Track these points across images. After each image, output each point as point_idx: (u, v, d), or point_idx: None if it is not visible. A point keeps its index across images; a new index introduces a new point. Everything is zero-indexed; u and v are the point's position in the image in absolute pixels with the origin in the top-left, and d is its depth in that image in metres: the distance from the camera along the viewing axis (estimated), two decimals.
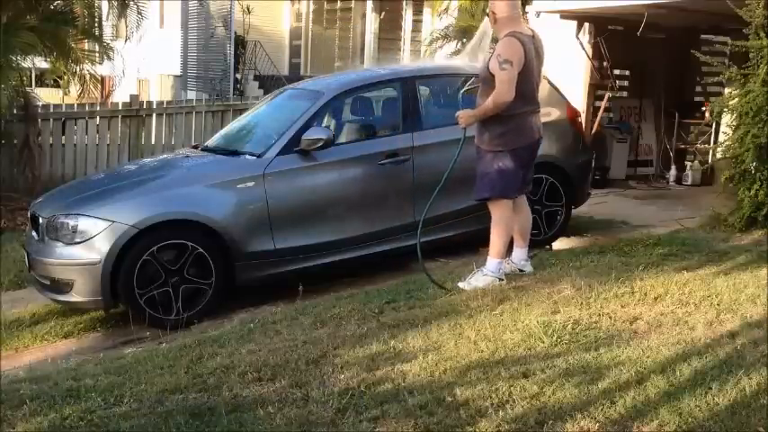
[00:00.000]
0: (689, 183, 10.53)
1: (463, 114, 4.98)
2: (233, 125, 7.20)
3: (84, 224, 5.18)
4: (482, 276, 4.97)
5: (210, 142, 6.67)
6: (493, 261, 5.00)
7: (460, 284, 4.95)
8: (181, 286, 5.21)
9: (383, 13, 17.62)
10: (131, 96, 12.47)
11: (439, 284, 4.96)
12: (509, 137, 4.89)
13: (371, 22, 17.71)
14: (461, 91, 5.36)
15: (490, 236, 5.03)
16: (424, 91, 6.42)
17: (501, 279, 4.95)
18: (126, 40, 12.55)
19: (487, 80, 4.87)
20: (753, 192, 6.16)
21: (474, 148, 5.10)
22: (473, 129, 5.03)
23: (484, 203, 5.12)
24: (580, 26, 10.00)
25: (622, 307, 4.26)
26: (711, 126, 9.38)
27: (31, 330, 5.48)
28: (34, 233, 5.58)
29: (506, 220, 5.00)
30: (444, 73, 6.98)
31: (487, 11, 5.03)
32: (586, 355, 3.57)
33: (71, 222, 5.23)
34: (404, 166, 5.96)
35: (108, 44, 11.95)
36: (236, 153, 5.97)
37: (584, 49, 9.98)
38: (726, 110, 6.77)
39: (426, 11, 15.35)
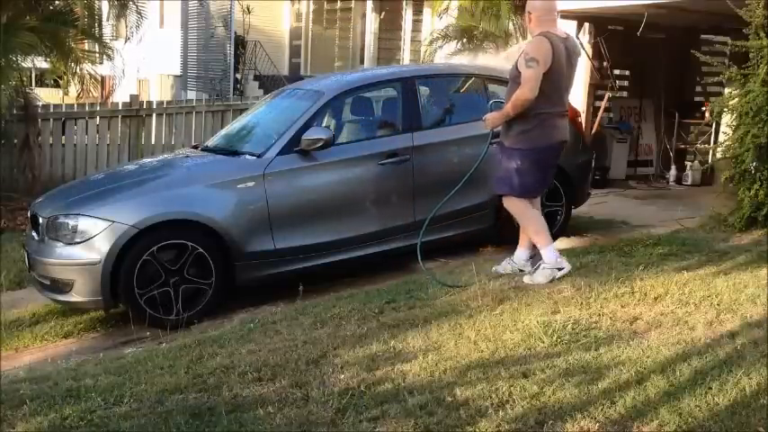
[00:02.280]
0: (689, 183, 10.53)
1: (489, 117, 5.05)
2: (233, 125, 7.19)
3: (84, 224, 5.17)
4: (542, 270, 4.93)
5: (210, 142, 6.66)
6: (545, 251, 4.96)
7: (525, 279, 4.93)
8: (181, 286, 5.20)
9: (383, 13, 17.62)
10: (131, 96, 12.45)
11: (449, 285, 4.97)
12: (530, 135, 4.90)
13: (371, 22, 17.71)
14: (460, 91, 5.37)
15: (529, 234, 5.08)
16: (423, 91, 6.42)
17: (561, 268, 4.89)
18: (126, 40, 12.55)
19: (516, 79, 4.90)
20: (753, 192, 6.16)
21: (476, 148, 5.15)
22: (472, 127, 5.04)
23: (499, 199, 5.25)
24: (580, 26, 9.99)
25: (622, 307, 4.26)
26: (711, 126, 9.38)
27: (31, 330, 5.47)
28: (34, 233, 5.57)
29: (527, 213, 5.04)
30: (444, 73, 7.00)
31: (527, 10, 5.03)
32: (586, 355, 3.58)
33: (71, 222, 5.22)
34: (404, 166, 5.96)
35: (108, 44, 11.95)
36: (236, 153, 5.96)
37: (584, 49, 9.95)
38: (726, 110, 6.77)
39: (426, 11, 15.35)
